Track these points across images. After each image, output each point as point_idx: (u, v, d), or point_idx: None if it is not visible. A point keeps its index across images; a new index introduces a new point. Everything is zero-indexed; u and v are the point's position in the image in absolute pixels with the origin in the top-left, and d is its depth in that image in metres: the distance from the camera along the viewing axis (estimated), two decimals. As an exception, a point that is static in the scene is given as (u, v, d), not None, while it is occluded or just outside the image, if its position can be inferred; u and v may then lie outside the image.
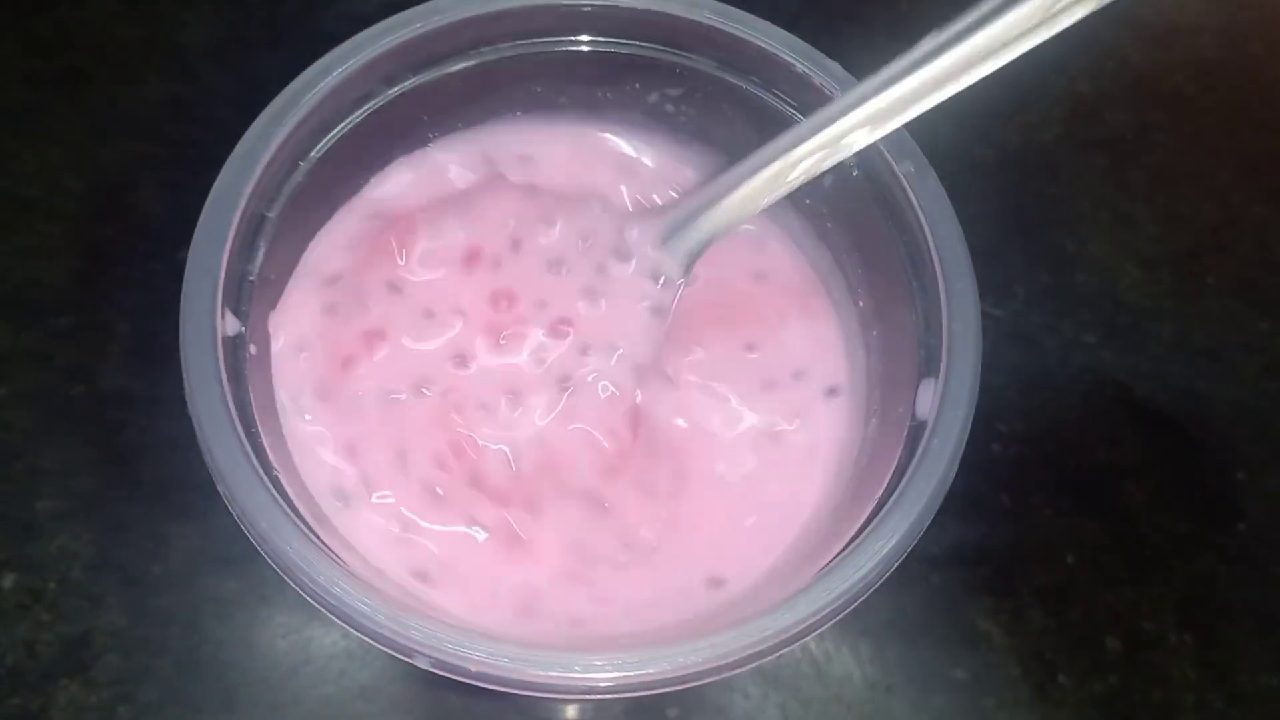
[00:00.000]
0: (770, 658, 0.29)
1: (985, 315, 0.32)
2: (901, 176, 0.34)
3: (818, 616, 0.28)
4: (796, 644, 0.28)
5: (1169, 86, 0.58)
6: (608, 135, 0.40)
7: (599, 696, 0.28)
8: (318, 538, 0.29)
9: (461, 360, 0.35)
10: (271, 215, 0.34)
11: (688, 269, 0.35)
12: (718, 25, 0.35)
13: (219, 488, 0.29)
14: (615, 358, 0.35)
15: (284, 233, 0.34)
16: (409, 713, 0.43)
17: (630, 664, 0.27)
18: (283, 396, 0.34)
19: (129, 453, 0.46)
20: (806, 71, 0.35)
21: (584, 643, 0.32)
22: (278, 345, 0.35)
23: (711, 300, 0.38)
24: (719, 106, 0.37)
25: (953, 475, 0.30)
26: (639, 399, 0.35)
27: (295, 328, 0.35)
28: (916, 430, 0.31)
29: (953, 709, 0.45)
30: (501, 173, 0.39)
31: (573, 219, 0.36)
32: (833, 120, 0.31)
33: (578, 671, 0.27)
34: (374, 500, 0.33)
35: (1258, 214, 0.55)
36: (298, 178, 0.34)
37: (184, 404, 0.29)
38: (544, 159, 0.39)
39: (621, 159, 0.40)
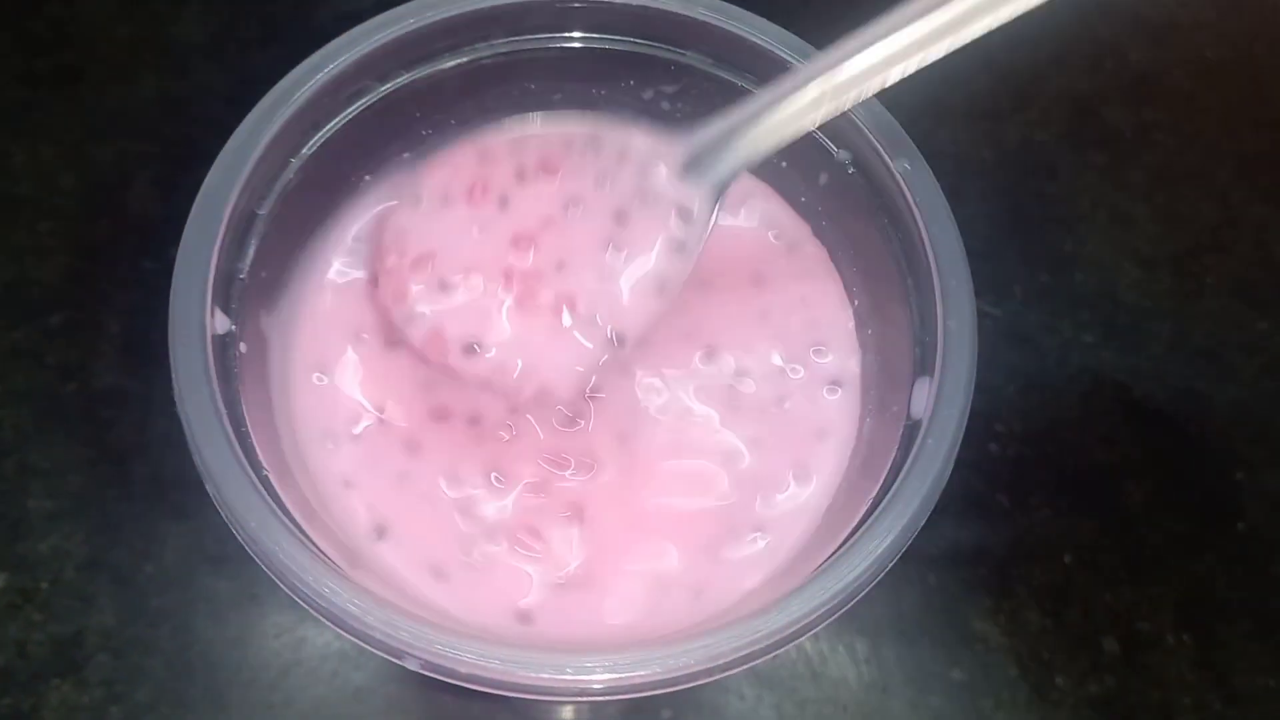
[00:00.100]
0: (764, 659, 0.28)
1: (983, 315, 0.32)
2: (897, 174, 0.33)
3: (811, 617, 0.28)
4: (790, 645, 0.28)
5: (1168, 85, 0.58)
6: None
7: (592, 699, 0.28)
8: (310, 540, 0.29)
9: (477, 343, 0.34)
10: (263, 213, 0.34)
11: (716, 201, 0.33)
12: (713, 21, 0.35)
13: (208, 488, 0.29)
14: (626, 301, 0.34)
15: (276, 230, 0.34)
16: (403, 714, 0.43)
17: (623, 665, 0.27)
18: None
19: (121, 452, 0.46)
20: (802, 68, 0.35)
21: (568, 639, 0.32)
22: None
23: (706, 298, 0.38)
24: (715, 103, 0.37)
25: (948, 475, 0.30)
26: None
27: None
28: (912, 429, 0.31)
29: (950, 710, 0.44)
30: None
31: (589, 156, 0.34)
32: (885, 35, 0.29)
33: (569, 673, 0.27)
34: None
35: (1257, 213, 0.55)
36: (289, 175, 0.34)
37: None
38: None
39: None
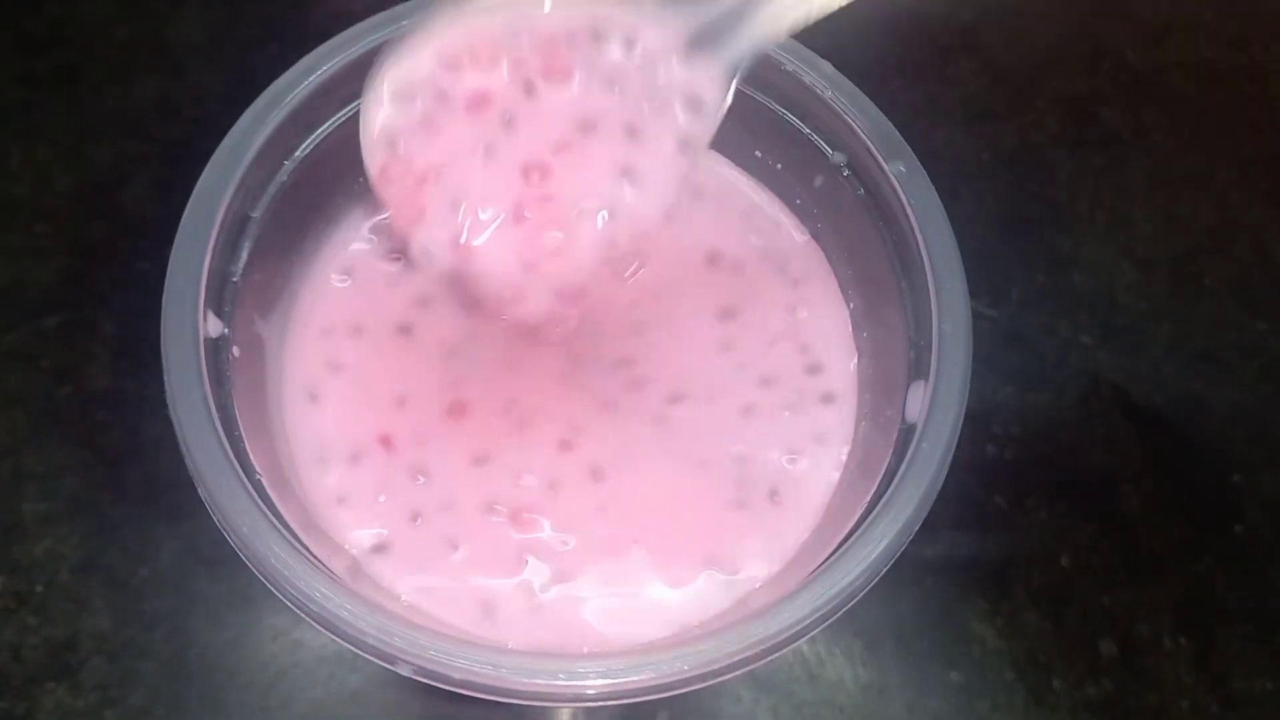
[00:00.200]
0: (759, 664, 0.28)
1: (981, 316, 0.32)
2: (892, 177, 0.33)
3: (805, 622, 0.28)
4: (785, 650, 0.28)
5: (1166, 86, 0.57)
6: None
7: (585, 704, 0.28)
8: (301, 542, 0.29)
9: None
10: (256, 215, 0.34)
11: (729, 86, 0.30)
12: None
13: (200, 492, 0.29)
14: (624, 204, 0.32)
15: (269, 233, 0.34)
16: (400, 716, 0.42)
17: (617, 671, 0.27)
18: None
19: (116, 454, 0.46)
20: (796, 69, 0.35)
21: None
22: None
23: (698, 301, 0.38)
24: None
25: (942, 479, 0.30)
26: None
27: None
28: (907, 433, 0.31)
29: (947, 712, 0.44)
30: None
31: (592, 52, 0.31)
32: None
33: (562, 679, 0.27)
34: None
35: (1255, 215, 0.55)
36: (282, 177, 0.34)
37: (172, 405, 0.29)
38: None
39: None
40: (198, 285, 0.30)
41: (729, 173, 0.40)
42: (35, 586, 0.44)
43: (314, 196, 0.37)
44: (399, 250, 0.37)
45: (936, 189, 0.33)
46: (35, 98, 0.53)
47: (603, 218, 0.32)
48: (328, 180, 0.37)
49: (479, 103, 0.32)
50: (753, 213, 0.39)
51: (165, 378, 0.29)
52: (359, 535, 0.34)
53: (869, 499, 0.30)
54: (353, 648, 0.28)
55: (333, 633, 0.28)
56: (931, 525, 0.30)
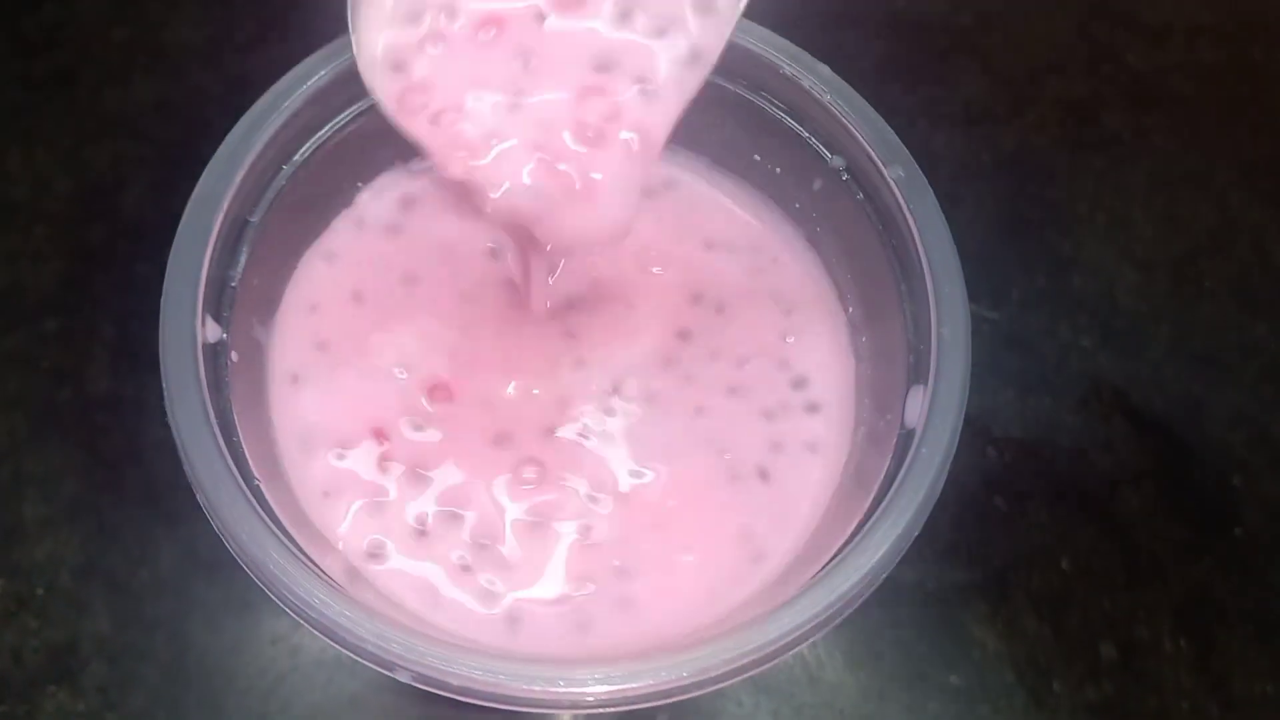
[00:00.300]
0: (759, 670, 0.28)
1: (981, 319, 0.32)
2: (891, 181, 0.33)
3: (804, 629, 0.28)
4: (784, 656, 0.28)
5: (1166, 88, 0.57)
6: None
7: (585, 710, 0.28)
8: (300, 550, 0.29)
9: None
10: (254, 220, 0.33)
11: None
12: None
13: (198, 498, 0.29)
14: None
15: (268, 238, 0.34)
16: (398, 720, 0.43)
17: (616, 678, 0.27)
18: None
19: (116, 457, 0.46)
20: (795, 74, 0.35)
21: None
22: None
23: (696, 306, 0.37)
24: (707, 109, 0.37)
25: (941, 485, 0.30)
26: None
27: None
28: (906, 438, 0.31)
29: (947, 716, 0.44)
30: None
31: None
32: None
33: (561, 686, 0.27)
34: None
35: (1255, 217, 0.55)
36: (280, 182, 0.34)
37: (169, 410, 0.29)
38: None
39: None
40: (196, 291, 0.30)
41: (728, 176, 0.40)
42: (36, 589, 0.44)
43: (312, 201, 0.37)
44: (455, 191, 0.35)
45: (936, 191, 0.33)
46: (31, 100, 0.53)
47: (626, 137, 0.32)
48: (326, 184, 0.37)
49: (491, 23, 0.32)
50: (750, 215, 0.39)
51: (164, 384, 0.29)
52: (354, 536, 0.34)
53: (868, 504, 0.30)
54: (351, 654, 0.28)
55: (331, 639, 0.28)
56: (931, 528, 0.30)
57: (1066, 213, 0.54)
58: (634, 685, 0.27)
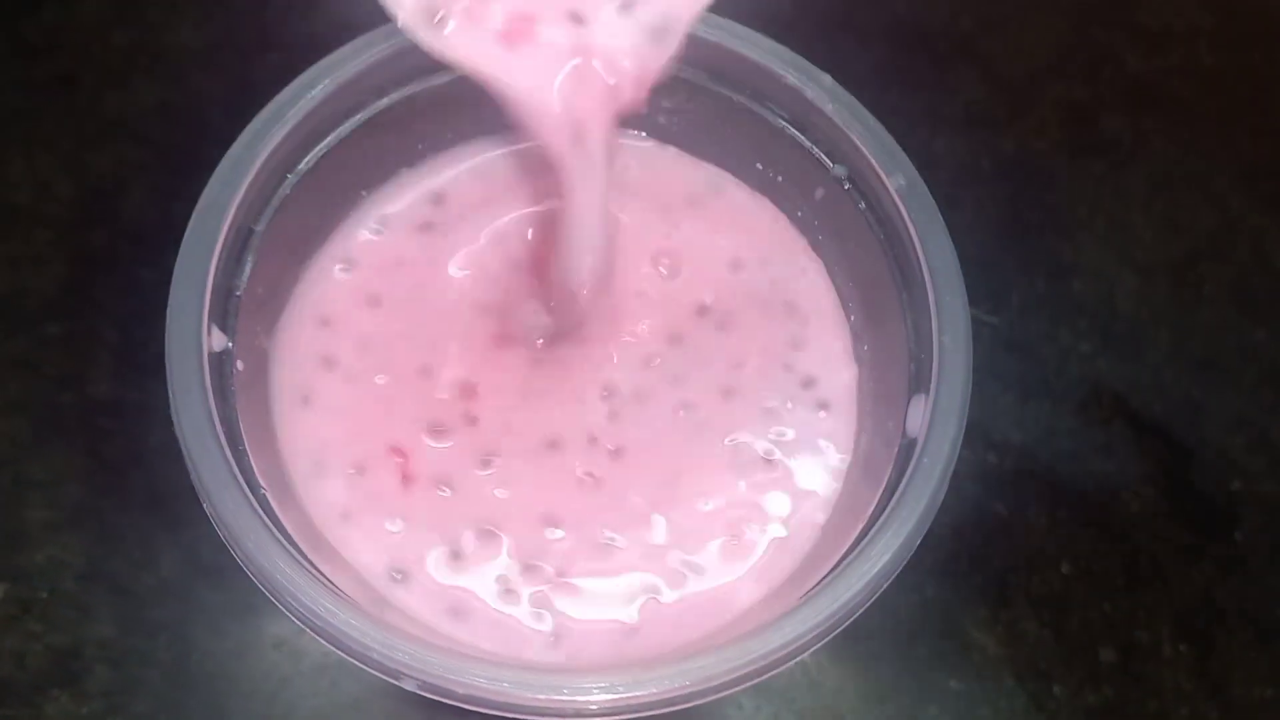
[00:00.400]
0: (761, 679, 0.28)
1: (980, 323, 0.32)
2: (892, 190, 0.33)
3: (807, 638, 0.28)
4: (786, 665, 0.28)
5: (1166, 92, 0.57)
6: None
7: (588, 719, 0.28)
8: (305, 557, 0.29)
9: None
10: (259, 229, 0.34)
11: None
12: (708, 37, 0.35)
13: (204, 507, 0.29)
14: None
15: (273, 247, 0.34)
16: (401, 724, 0.43)
17: (619, 687, 0.27)
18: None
19: (119, 462, 0.46)
20: (798, 84, 0.35)
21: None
22: None
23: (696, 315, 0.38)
24: (711, 119, 0.37)
25: (943, 494, 0.30)
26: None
27: None
28: (907, 447, 0.31)
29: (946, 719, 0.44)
30: None
31: None
32: None
33: (565, 694, 0.27)
34: None
35: (1255, 221, 0.55)
36: (285, 190, 0.34)
37: (174, 415, 0.29)
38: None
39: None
40: (201, 300, 0.30)
41: (730, 182, 0.40)
42: (39, 594, 0.44)
43: (318, 209, 0.37)
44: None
45: (936, 196, 0.34)
46: (32, 104, 0.53)
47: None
48: (331, 193, 0.37)
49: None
50: (754, 224, 0.39)
51: (169, 393, 0.29)
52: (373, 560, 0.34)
53: (869, 513, 0.31)
54: (357, 662, 0.28)
55: (337, 647, 0.28)
56: (931, 533, 0.30)
57: (1066, 216, 0.54)
58: (638, 694, 0.27)
